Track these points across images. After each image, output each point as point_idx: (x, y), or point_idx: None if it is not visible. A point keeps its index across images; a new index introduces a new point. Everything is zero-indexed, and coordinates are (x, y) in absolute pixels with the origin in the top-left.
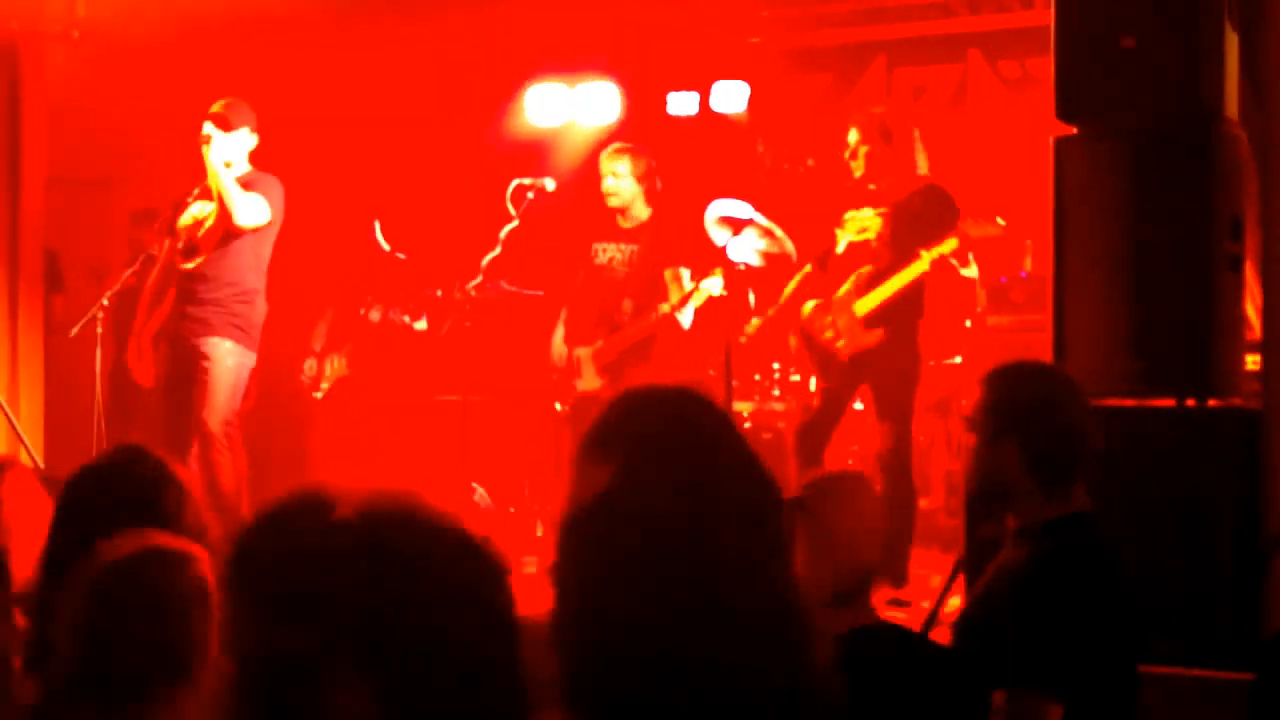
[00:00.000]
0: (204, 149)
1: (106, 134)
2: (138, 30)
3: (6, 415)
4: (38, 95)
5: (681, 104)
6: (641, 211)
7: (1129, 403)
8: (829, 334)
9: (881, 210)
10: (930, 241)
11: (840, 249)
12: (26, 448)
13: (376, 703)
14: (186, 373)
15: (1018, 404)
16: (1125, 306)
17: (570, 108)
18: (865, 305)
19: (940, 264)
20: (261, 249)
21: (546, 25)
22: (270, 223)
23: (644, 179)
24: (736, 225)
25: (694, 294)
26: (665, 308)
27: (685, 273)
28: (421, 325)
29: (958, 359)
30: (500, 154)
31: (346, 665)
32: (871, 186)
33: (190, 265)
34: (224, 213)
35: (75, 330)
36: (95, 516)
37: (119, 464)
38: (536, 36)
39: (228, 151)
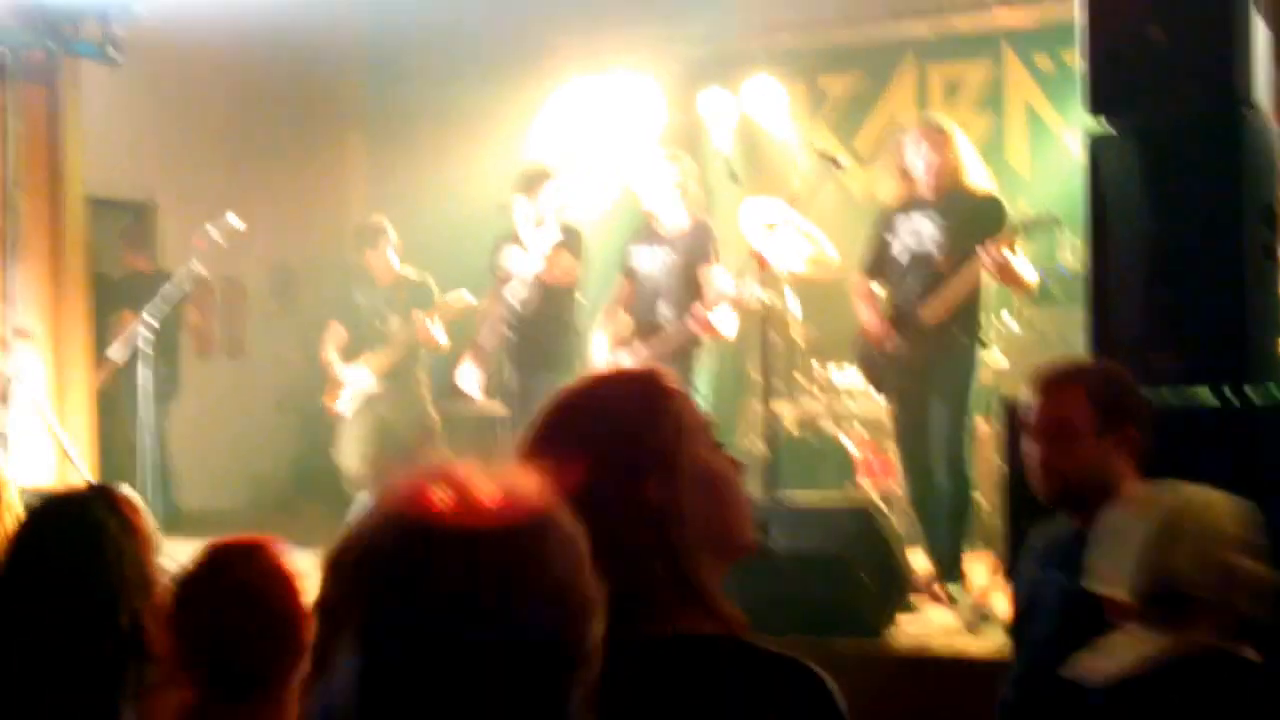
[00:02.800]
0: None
1: (146, 156)
2: (176, 54)
3: (57, 435)
4: (77, 117)
5: (715, 105)
6: (677, 215)
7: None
8: (897, 341)
9: (934, 215)
10: (988, 239)
11: (901, 258)
12: (77, 465)
13: None
14: None
15: (1128, 398)
16: (1161, 297)
17: (604, 107)
18: (933, 310)
19: (1000, 261)
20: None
21: (582, 25)
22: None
23: (679, 183)
24: (773, 227)
25: (728, 300)
26: (701, 311)
27: (723, 275)
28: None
29: (997, 353)
30: (534, 155)
31: None
32: (919, 196)
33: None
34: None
35: (118, 351)
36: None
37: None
38: (571, 35)
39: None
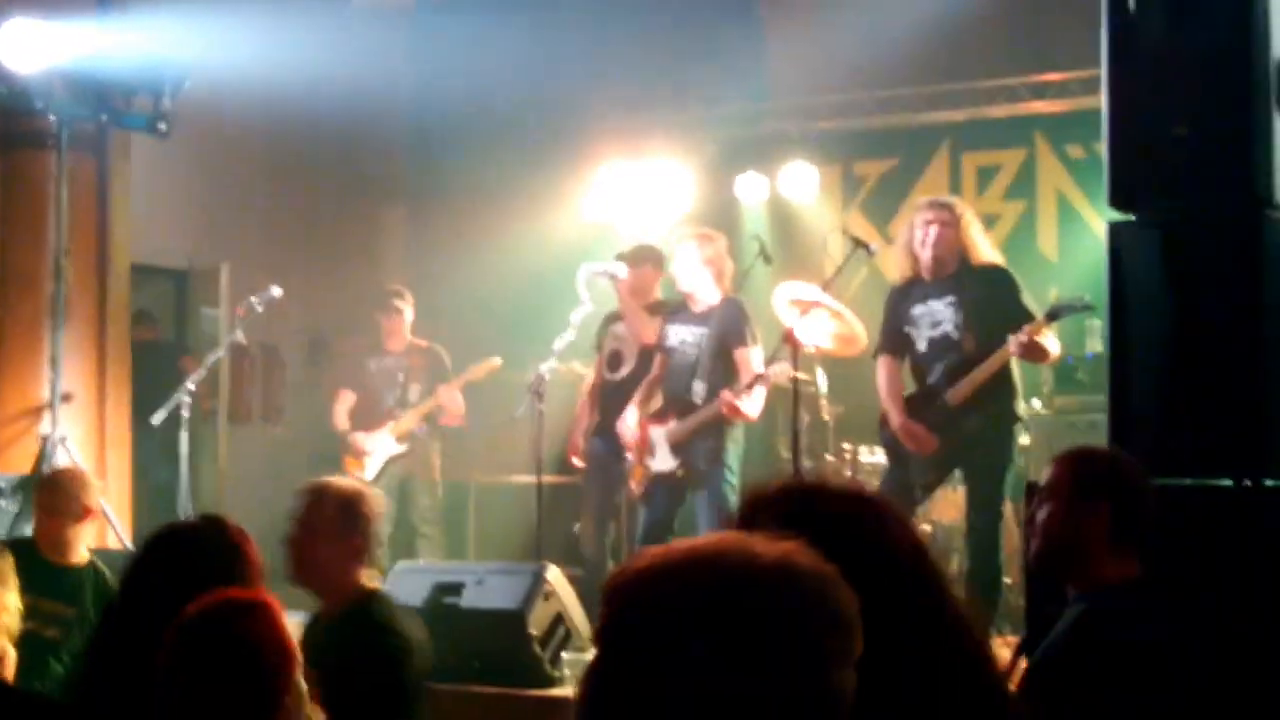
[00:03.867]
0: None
1: (192, 223)
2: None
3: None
4: (124, 186)
5: (750, 188)
6: (711, 294)
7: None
8: (922, 428)
9: (950, 300)
10: (1015, 327)
11: (920, 347)
12: (115, 529)
13: None
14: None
15: (1110, 467)
16: (1180, 387)
17: (641, 191)
18: (956, 397)
19: (1030, 344)
20: None
21: (618, 110)
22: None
23: (712, 262)
24: (805, 307)
25: (759, 380)
26: (728, 393)
27: (756, 355)
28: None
29: (1025, 438)
30: (572, 237)
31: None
32: (927, 278)
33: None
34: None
35: (159, 417)
36: (171, 575)
37: (201, 529)
38: (609, 116)
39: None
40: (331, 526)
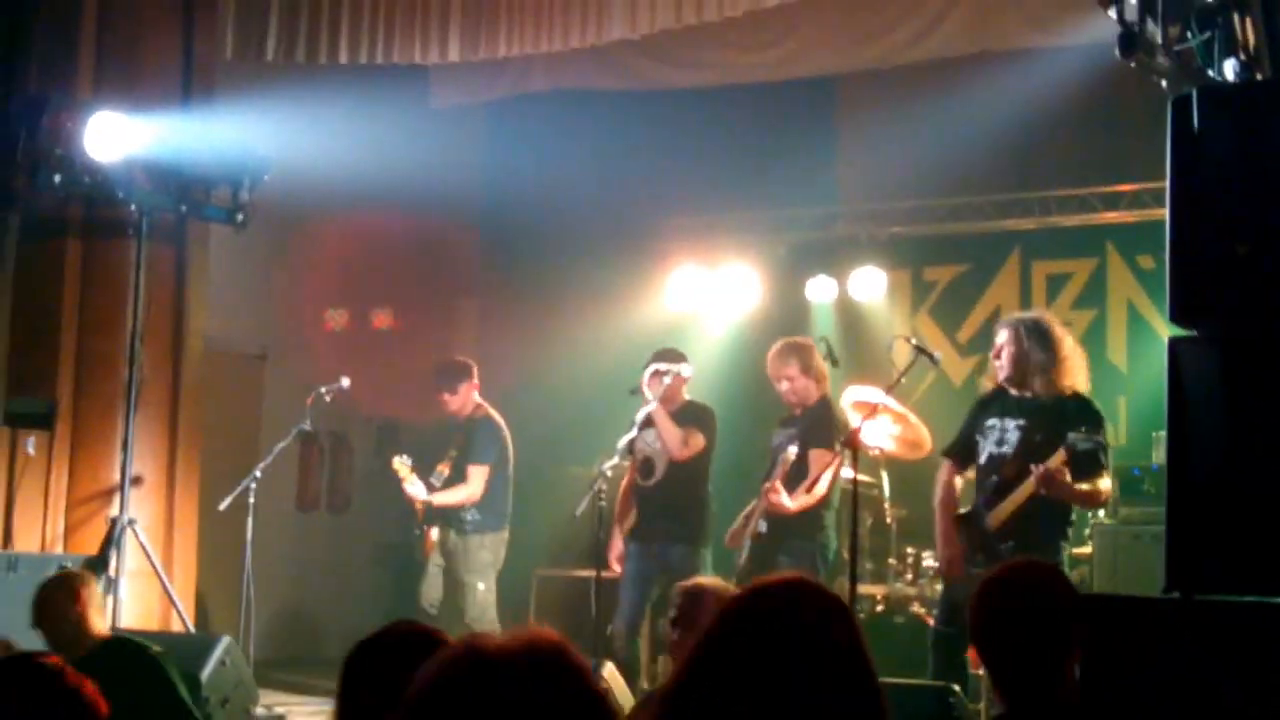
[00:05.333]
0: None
1: (262, 310)
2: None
3: (162, 581)
4: (202, 274)
5: (820, 290)
6: (809, 397)
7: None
8: (955, 551)
9: (1021, 422)
10: (1043, 456)
11: (982, 459)
12: (179, 611)
13: None
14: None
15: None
16: (1240, 504)
17: (711, 292)
18: (994, 520)
19: (1044, 480)
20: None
21: (689, 211)
22: (705, 448)
23: (812, 368)
24: (869, 410)
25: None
26: (773, 485)
27: (823, 454)
28: None
29: (1089, 549)
30: (642, 336)
31: None
32: (1014, 392)
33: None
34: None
35: (225, 504)
36: (381, 689)
37: (399, 636)
38: (681, 218)
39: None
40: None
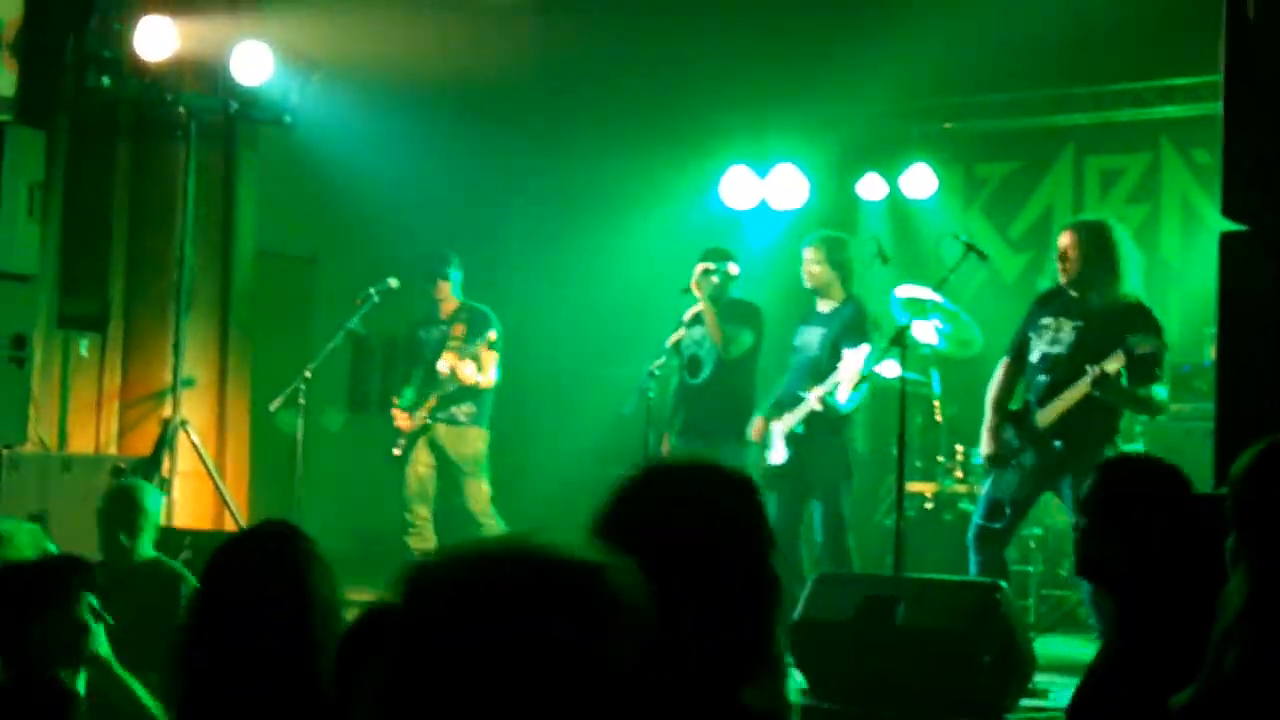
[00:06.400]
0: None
1: (313, 213)
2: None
3: (214, 481)
4: (251, 174)
5: (871, 188)
6: (838, 294)
7: None
8: (1014, 444)
9: (1078, 323)
10: (1098, 359)
11: (1034, 357)
12: (232, 511)
13: None
14: None
15: (1143, 478)
16: None
17: (762, 191)
18: (1044, 419)
19: (1099, 380)
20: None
21: (743, 104)
22: (753, 346)
23: (841, 263)
24: (921, 308)
25: (864, 377)
26: (818, 388)
27: (859, 353)
28: None
29: (1139, 445)
30: (693, 235)
31: None
32: (1074, 294)
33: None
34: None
35: (276, 404)
36: (240, 584)
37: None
38: (732, 114)
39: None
40: None
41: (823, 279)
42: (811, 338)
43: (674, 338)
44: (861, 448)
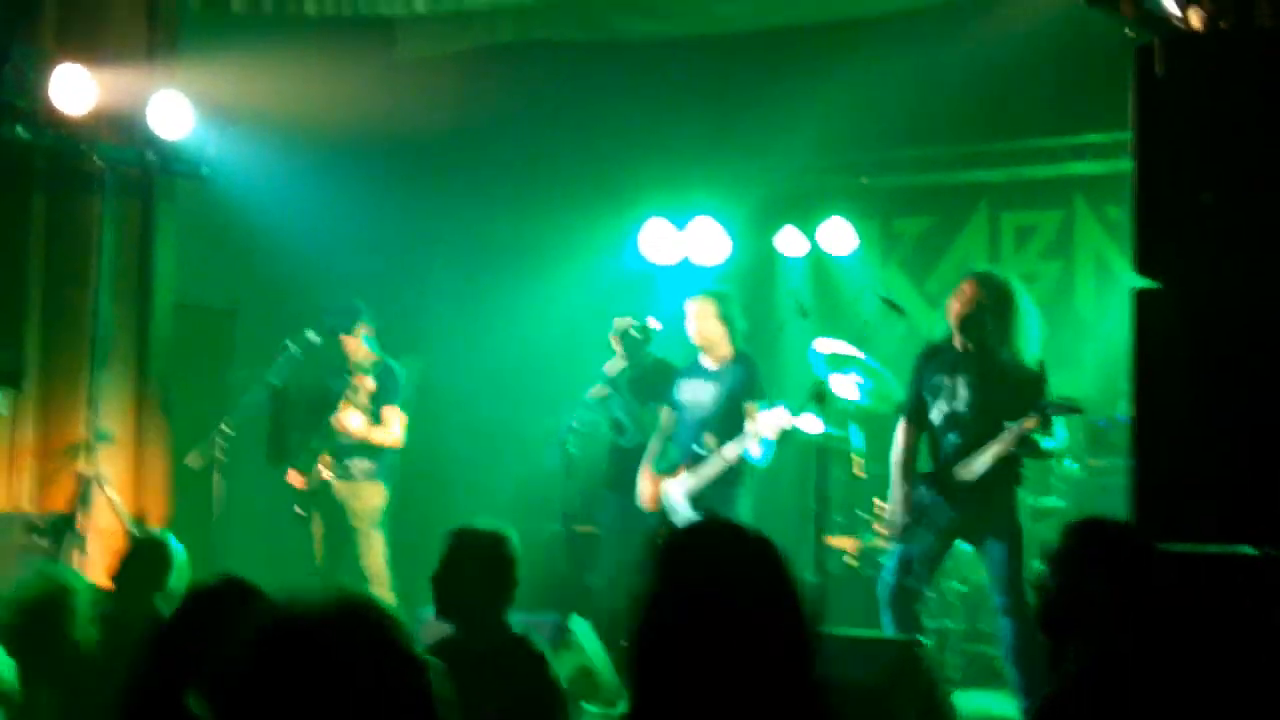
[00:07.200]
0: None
1: (232, 265)
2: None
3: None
4: (169, 226)
5: (790, 242)
6: (726, 350)
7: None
8: (926, 502)
9: (972, 379)
10: (1013, 416)
11: (935, 416)
12: None
13: None
14: None
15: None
16: (1204, 454)
17: (683, 247)
18: (969, 474)
19: (1020, 437)
20: None
21: (661, 158)
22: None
23: (730, 318)
24: (839, 362)
25: (776, 431)
26: (731, 446)
27: (765, 407)
28: None
29: (1054, 500)
30: (612, 289)
31: None
32: (964, 348)
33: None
34: None
35: (196, 458)
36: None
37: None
38: (650, 168)
39: None
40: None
41: (714, 334)
42: (702, 394)
43: (596, 391)
44: (783, 503)
